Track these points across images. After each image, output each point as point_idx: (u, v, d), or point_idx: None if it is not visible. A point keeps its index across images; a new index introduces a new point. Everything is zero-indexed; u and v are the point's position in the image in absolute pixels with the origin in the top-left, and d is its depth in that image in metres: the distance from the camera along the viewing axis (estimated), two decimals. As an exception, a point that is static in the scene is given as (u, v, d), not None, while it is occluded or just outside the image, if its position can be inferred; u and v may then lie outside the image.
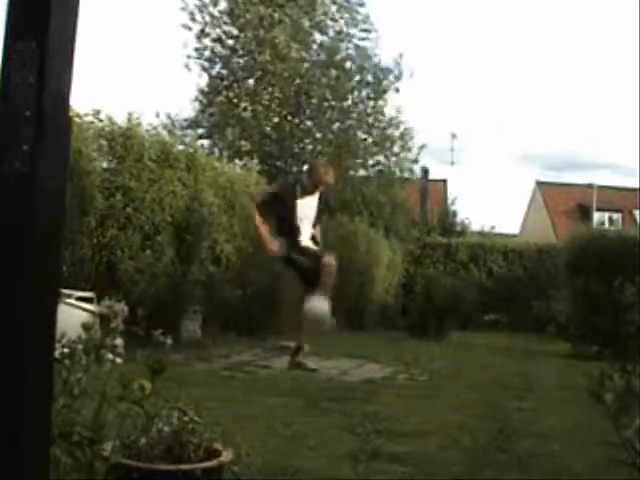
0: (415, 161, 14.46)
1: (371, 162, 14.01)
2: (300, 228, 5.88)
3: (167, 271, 6.73)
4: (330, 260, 5.75)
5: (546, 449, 3.27)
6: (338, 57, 13.66)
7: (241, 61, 13.69)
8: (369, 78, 13.78)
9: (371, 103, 13.85)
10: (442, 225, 19.41)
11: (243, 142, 12.96)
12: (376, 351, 7.19)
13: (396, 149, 13.97)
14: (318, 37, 14.06)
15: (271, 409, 3.91)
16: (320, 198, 6.08)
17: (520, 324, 12.43)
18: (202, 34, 13.70)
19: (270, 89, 12.99)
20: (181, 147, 7.72)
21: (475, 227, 22.51)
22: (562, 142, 64.95)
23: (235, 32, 13.66)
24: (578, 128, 63.45)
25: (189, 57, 13.78)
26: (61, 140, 1.45)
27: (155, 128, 8.00)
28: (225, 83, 13.63)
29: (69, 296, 4.83)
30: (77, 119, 6.01)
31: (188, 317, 7.05)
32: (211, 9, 13.66)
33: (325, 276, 5.69)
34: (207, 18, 13.68)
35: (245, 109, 12.80)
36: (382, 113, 13.87)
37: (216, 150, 12.50)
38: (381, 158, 13.98)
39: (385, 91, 13.89)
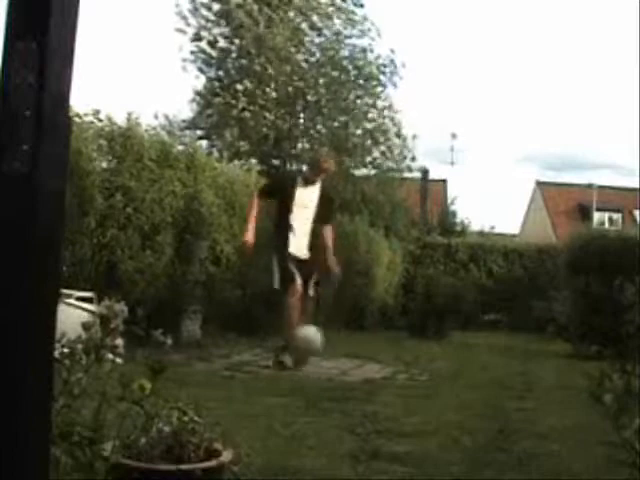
0: (412, 158, 14.47)
1: (369, 159, 14.01)
2: (294, 225, 5.89)
3: (167, 271, 6.73)
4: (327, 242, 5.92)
5: (546, 449, 3.27)
6: (335, 57, 13.65)
7: (237, 63, 13.69)
8: (366, 75, 13.76)
9: (369, 101, 13.85)
10: (442, 225, 19.44)
11: (242, 143, 12.96)
12: (376, 351, 7.19)
13: (393, 140, 13.96)
14: (316, 38, 14.06)
15: (271, 409, 3.91)
16: (322, 194, 6.04)
17: (520, 324, 12.43)
18: (196, 37, 13.70)
19: (267, 89, 12.99)
20: (181, 147, 7.72)
21: (475, 227, 22.58)
22: (562, 142, 65.03)
23: (229, 34, 13.65)
24: (578, 128, 63.50)
25: (185, 60, 13.80)
26: (61, 140, 1.44)
27: (154, 129, 8.00)
28: (222, 84, 13.63)
29: (69, 296, 4.83)
30: (77, 119, 6.01)
31: (188, 317, 7.04)
32: (204, 12, 13.66)
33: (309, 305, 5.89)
34: (202, 22, 13.68)
35: (243, 110, 12.80)
36: (379, 108, 13.89)
37: (214, 151, 12.49)
38: (377, 154, 13.98)
39: (382, 89, 13.94)
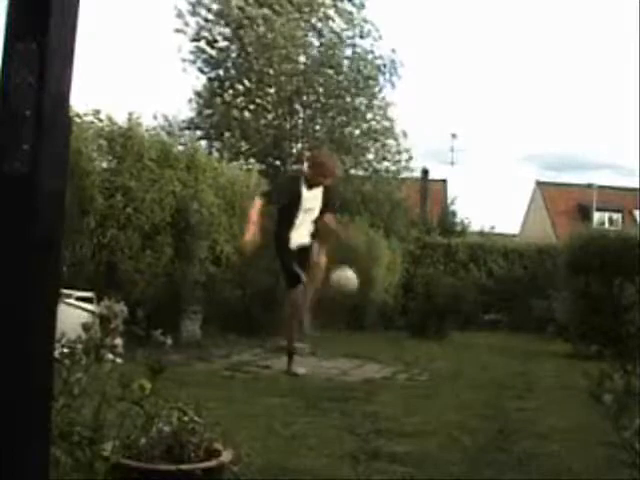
0: (410, 158, 14.47)
1: (367, 158, 14.02)
2: (298, 225, 5.85)
3: (167, 271, 6.73)
4: (320, 259, 5.83)
5: (546, 449, 3.27)
6: (335, 57, 13.65)
7: (237, 63, 13.69)
8: (366, 76, 13.77)
9: (368, 101, 13.86)
10: (442, 225, 19.44)
11: (242, 143, 12.96)
12: (376, 351, 7.19)
13: (391, 140, 13.97)
14: (315, 39, 14.07)
15: (271, 409, 3.90)
16: (327, 193, 5.94)
17: (520, 324, 12.44)
18: (196, 37, 13.70)
19: (267, 89, 12.99)
20: (181, 147, 7.72)
21: (475, 227, 22.57)
22: (562, 142, 65.03)
23: (229, 34, 13.66)
24: (578, 128, 63.49)
25: (184, 60, 13.80)
26: (61, 140, 1.44)
27: (154, 129, 8.00)
28: (222, 84, 13.63)
29: (69, 296, 4.83)
30: (77, 119, 6.00)
31: (188, 317, 7.04)
32: (204, 13, 13.66)
33: (314, 273, 5.82)
34: (201, 22, 13.69)
35: (242, 110, 12.80)
36: (378, 108, 13.90)
37: (214, 151, 12.49)
38: (376, 154, 13.99)
39: (381, 89, 13.96)
